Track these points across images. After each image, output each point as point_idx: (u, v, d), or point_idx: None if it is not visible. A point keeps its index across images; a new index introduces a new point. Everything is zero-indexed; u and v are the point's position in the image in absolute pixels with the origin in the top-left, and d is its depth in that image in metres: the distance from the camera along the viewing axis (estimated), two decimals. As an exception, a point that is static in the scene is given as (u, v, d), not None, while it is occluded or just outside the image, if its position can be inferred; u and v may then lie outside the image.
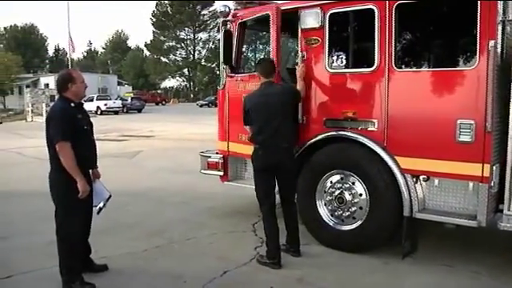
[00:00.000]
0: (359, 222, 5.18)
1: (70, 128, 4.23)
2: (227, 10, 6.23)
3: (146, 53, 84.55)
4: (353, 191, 5.23)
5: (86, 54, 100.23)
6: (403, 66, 5.02)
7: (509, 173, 4.45)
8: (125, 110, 44.01)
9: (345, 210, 5.29)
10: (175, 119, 31.02)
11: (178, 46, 79.64)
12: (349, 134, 5.20)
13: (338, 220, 5.36)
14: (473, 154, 4.41)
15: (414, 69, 5.12)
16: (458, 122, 4.46)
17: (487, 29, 4.28)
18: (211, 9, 71.63)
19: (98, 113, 39.47)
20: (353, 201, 5.23)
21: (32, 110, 36.71)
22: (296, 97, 5.28)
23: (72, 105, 4.39)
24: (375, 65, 4.96)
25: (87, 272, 4.55)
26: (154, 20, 77.28)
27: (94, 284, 4.39)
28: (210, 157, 6.70)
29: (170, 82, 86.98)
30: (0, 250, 5.52)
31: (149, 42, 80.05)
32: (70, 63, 45.54)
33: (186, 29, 76.85)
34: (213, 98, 49.43)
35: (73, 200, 4.23)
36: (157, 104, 61.81)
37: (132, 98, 49.31)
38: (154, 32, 78.52)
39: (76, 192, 4.19)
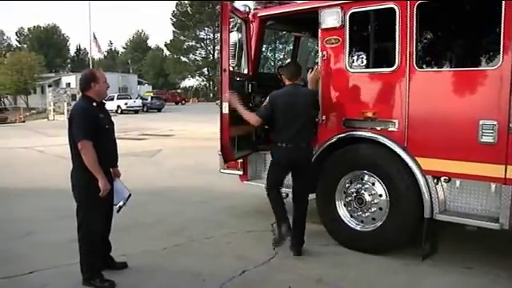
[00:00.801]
0: (379, 223, 5.15)
1: (92, 127, 4.29)
2: (247, 9, 6.26)
3: (166, 52, 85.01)
4: (372, 192, 5.20)
5: (106, 53, 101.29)
6: (424, 66, 4.96)
7: (532, 175, 4.36)
8: (145, 109, 44.34)
9: (364, 210, 5.27)
10: (195, 118, 31.08)
11: (198, 45, 79.83)
12: (368, 134, 5.17)
13: (358, 221, 5.34)
14: (495, 155, 4.35)
15: (436, 68, 5.04)
16: (481, 122, 4.40)
17: (511, 28, 4.21)
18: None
19: (119, 112, 39.88)
20: (372, 201, 5.20)
21: (54, 109, 37.36)
22: (317, 101, 5.41)
23: (94, 104, 4.45)
24: (396, 64, 4.93)
25: (107, 269, 4.61)
26: (174, 20, 77.64)
27: (114, 281, 4.45)
28: None
29: (189, 82, 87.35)
30: (23, 246, 5.62)
31: (169, 42, 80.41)
32: (91, 63, 46.10)
33: (206, 28, 76.93)
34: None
35: (94, 198, 4.28)
36: (176, 103, 62.05)
37: (152, 98, 49.47)
38: (173, 32, 78.91)
39: (97, 190, 4.24)
